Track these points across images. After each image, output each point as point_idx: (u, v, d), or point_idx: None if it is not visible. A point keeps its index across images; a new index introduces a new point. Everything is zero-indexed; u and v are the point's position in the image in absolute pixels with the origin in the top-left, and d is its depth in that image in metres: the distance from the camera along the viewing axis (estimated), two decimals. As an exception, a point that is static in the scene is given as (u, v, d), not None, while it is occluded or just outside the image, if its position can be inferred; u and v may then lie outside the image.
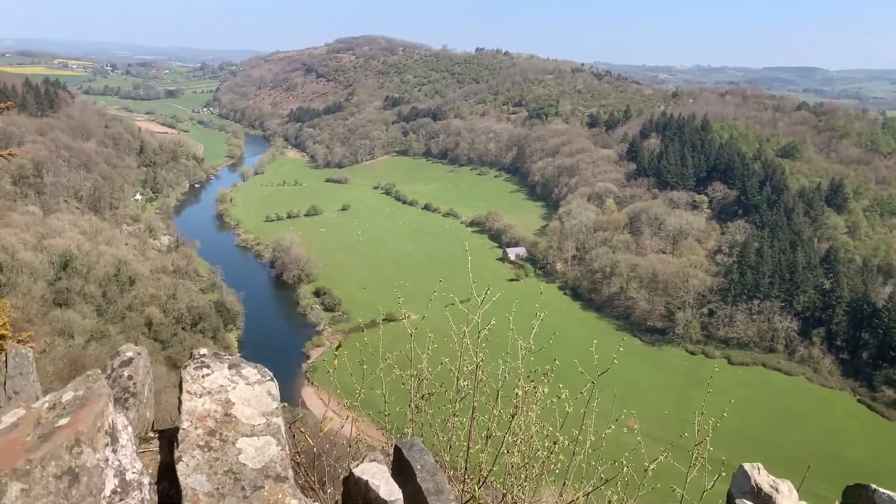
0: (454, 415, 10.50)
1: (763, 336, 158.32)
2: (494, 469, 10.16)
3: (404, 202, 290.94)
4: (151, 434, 7.20)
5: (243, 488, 5.23)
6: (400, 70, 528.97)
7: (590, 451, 10.51)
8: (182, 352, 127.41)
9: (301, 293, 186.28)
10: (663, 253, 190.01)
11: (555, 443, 10.28)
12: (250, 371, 6.33)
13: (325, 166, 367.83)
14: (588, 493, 10.15)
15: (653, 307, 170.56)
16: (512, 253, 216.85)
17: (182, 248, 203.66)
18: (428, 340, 11.05)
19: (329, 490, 9.77)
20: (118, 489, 4.98)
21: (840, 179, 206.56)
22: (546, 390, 10.60)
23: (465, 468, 9.98)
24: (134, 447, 5.32)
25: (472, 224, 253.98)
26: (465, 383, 10.48)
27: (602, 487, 10.03)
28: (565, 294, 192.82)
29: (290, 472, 5.49)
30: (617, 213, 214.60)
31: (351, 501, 6.70)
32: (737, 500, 8.95)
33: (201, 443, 5.55)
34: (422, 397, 10.72)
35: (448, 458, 10.29)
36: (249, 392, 6.05)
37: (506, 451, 10.11)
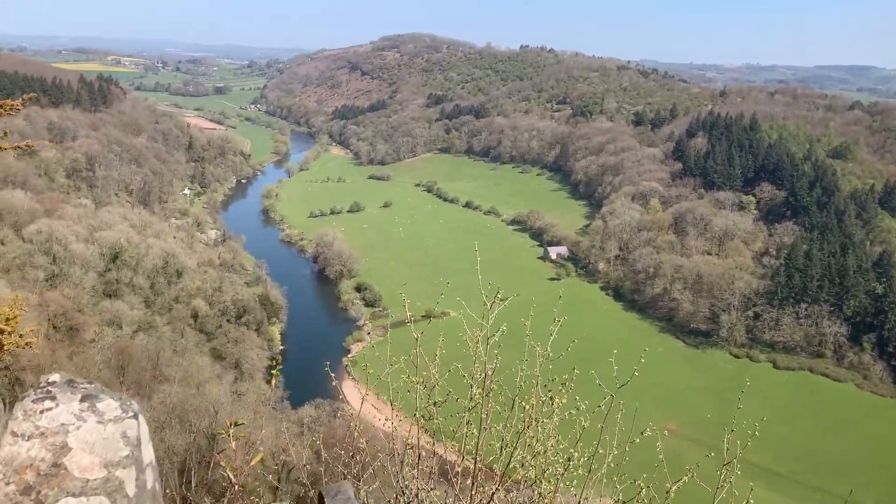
0: (468, 423, 10.24)
1: (810, 341, 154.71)
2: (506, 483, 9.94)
3: (445, 200, 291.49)
4: None
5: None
6: (444, 68, 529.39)
7: (612, 464, 10.16)
8: (226, 344, 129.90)
9: (343, 288, 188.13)
10: (708, 254, 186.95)
11: (569, 459, 9.99)
12: (109, 405, 4.84)
13: (368, 163, 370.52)
14: None
15: (697, 309, 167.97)
16: (553, 252, 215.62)
17: (228, 242, 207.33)
18: (438, 345, 10.88)
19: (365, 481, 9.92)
20: None
21: (895, 181, 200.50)
22: (564, 401, 10.25)
23: (474, 483, 9.85)
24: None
25: (513, 222, 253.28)
26: (478, 391, 10.25)
27: None
28: (607, 294, 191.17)
29: None
30: (662, 213, 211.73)
31: None
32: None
33: (8, 505, 4.24)
34: (434, 404, 10.54)
35: (460, 469, 10.14)
36: (98, 433, 4.65)
37: (518, 466, 9.90)
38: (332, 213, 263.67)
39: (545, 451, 10.02)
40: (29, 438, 4.53)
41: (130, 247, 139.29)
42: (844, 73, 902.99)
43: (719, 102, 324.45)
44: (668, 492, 9.60)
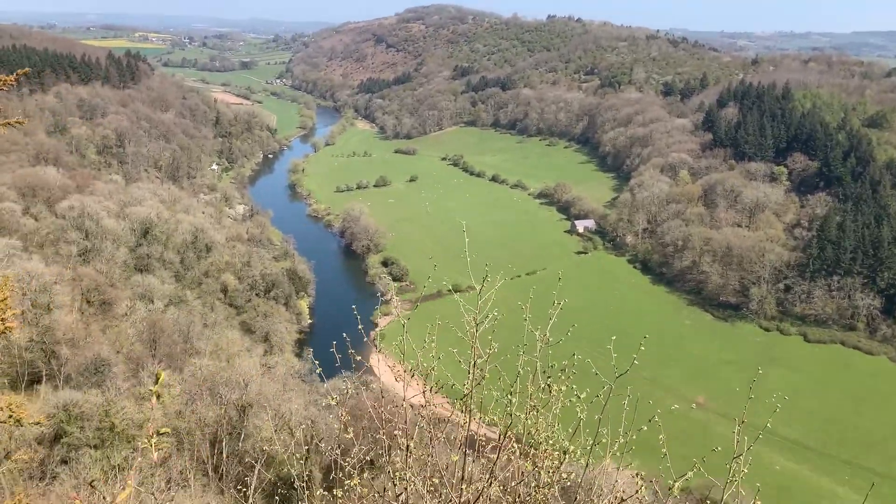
0: (461, 411, 10.17)
1: (843, 313, 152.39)
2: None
3: (472, 173, 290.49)
4: None
5: None
6: (469, 39, 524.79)
7: (617, 453, 9.92)
8: (256, 318, 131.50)
9: (370, 263, 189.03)
10: (739, 226, 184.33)
11: (565, 452, 9.87)
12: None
13: (393, 137, 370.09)
14: None
15: (726, 282, 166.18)
16: (580, 225, 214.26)
17: (256, 217, 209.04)
18: (427, 331, 10.76)
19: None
20: None
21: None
22: (563, 388, 10.06)
23: (463, 475, 9.79)
24: None
25: (540, 196, 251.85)
26: (477, 373, 10.12)
27: None
28: (635, 267, 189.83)
29: None
30: (691, 185, 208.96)
31: None
32: None
33: None
34: (430, 389, 10.52)
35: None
36: None
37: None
38: (359, 187, 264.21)
39: (539, 444, 9.88)
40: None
41: (160, 222, 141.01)
42: (883, 40, 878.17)
43: (751, 71, 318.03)
44: (670, 488, 9.21)
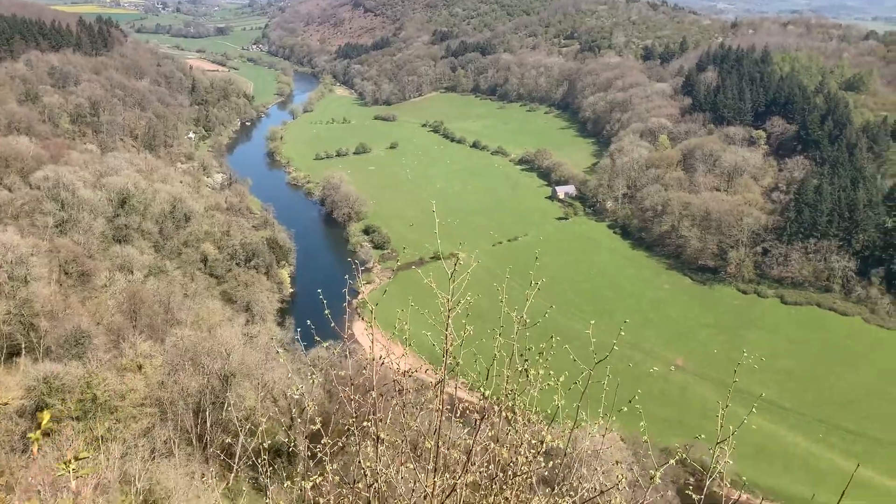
0: (435, 396, 10.01)
1: (819, 276, 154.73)
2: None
3: (452, 140, 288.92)
4: None
5: None
6: (448, 3, 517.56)
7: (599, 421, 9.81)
8: (237, 287, 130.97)
9: (351, 231, 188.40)
10: (717, 190, 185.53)
11: (542, 442, 9.72)
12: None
13: (373, 103, 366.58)
14: None
15: (705, 246, 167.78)
16: (561, 191, 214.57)
17: (235, 185, 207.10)
18: (398, 316, 10.58)
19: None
20: None
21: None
22: (541, 371, 9.82)
23: (435, 470, 9.69)
24: None
25: (521, 162, 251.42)
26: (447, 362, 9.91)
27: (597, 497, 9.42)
28: (615, 233, 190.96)
29: None
30: (670, 150, 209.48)
31: None
32: None
33: None
34: (403, 374, 10.39)
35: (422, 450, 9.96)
36: None
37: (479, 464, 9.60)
38: (339, 155, 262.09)
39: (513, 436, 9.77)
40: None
41: (138, 192, 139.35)
42: (860, 2, 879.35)
43: (730, 35, 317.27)
44: (651, 477, 9.03)
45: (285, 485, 9.83)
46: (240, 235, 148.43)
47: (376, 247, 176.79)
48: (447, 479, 9.60)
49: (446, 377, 9.95)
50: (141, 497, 46.99)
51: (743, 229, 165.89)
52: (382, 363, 10.34)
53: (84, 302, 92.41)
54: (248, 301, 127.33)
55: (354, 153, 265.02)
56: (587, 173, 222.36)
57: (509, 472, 9.61)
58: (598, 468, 9.96)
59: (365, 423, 9.92)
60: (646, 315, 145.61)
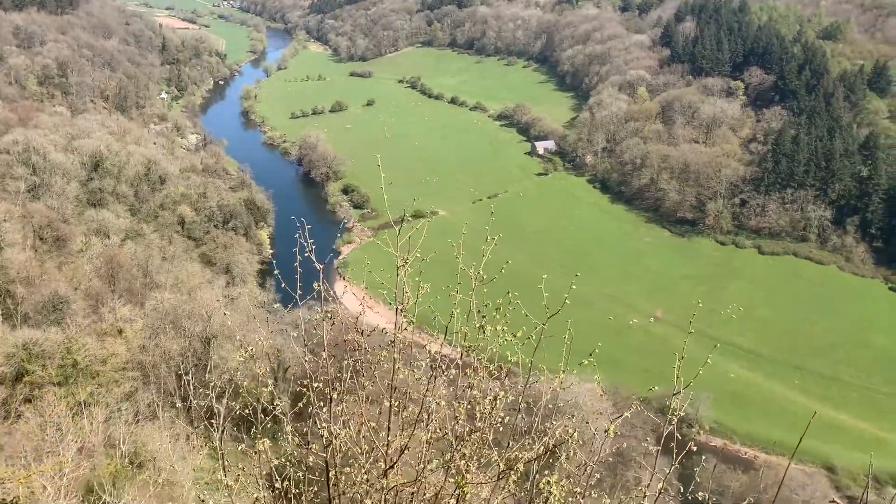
0: (390, 357, 10.01)
1: (795, 226, 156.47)
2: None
3: (430, 96, 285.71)
4: None
5: None
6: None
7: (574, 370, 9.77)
8: (215, 249, 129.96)
9: (329, 191, 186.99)
10: (696, 143, 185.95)
11: (496, 398, 9.65)
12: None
13: (348, 59, 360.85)
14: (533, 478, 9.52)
15: (683, 198, 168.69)
16: (540, 147, 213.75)
17: (210, 146, 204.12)
18: (365, 267, 10.55)
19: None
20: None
21: (885, 61, 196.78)
22: (499, 328, 9.77)
23: (389, 428, 9.72)
24: None
25: (499, 118, 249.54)
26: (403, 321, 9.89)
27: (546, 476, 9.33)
28: (595, 187, 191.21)
29: None
30: (649, 103, 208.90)
31: None
32: None
33: None
34: (360, 332, 10.43)
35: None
36: None
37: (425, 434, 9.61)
38: (315, 113, 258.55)
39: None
40: None
41: (111, 154, 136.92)
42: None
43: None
44: (606, 430, 9.22)
45: (241, 446, 9.84)
46: (217, 197, 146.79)
47: (356, 206, 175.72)
48: (402, 438, 9.58)
49: (398, 333, 9.95)
50: (126, 460, 47.18)
51: (721, 181, 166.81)
52: (354, 323, 10.30)
53: (61, 267, 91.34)
54: (227, 263, 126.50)
55: (331, 111, 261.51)
56: (566, 128, 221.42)
57: (468, 428, 9.59)
58: (570, 419, 9.94)
59: (316, 384, 9.85)
60: (626, 268, 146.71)
